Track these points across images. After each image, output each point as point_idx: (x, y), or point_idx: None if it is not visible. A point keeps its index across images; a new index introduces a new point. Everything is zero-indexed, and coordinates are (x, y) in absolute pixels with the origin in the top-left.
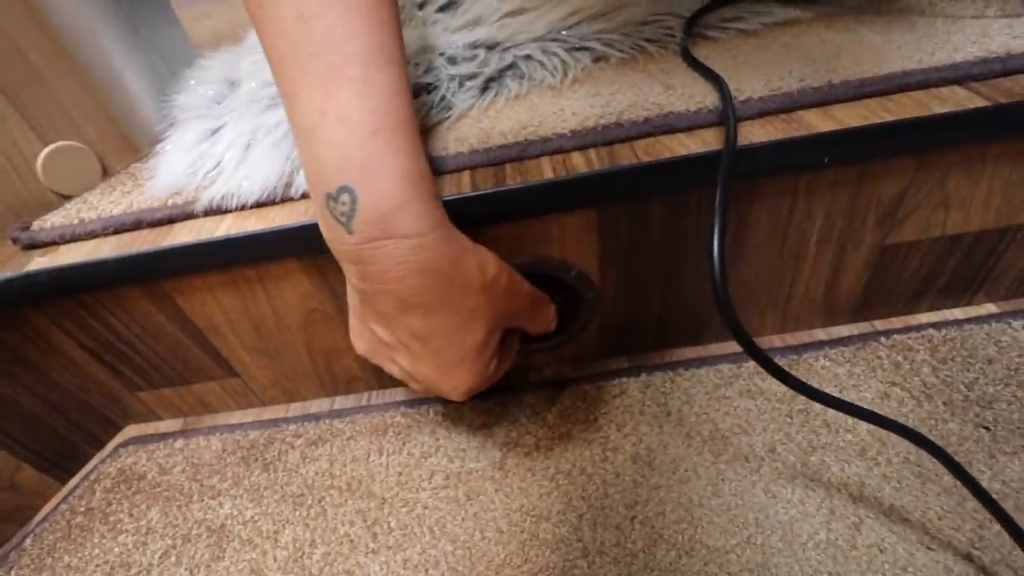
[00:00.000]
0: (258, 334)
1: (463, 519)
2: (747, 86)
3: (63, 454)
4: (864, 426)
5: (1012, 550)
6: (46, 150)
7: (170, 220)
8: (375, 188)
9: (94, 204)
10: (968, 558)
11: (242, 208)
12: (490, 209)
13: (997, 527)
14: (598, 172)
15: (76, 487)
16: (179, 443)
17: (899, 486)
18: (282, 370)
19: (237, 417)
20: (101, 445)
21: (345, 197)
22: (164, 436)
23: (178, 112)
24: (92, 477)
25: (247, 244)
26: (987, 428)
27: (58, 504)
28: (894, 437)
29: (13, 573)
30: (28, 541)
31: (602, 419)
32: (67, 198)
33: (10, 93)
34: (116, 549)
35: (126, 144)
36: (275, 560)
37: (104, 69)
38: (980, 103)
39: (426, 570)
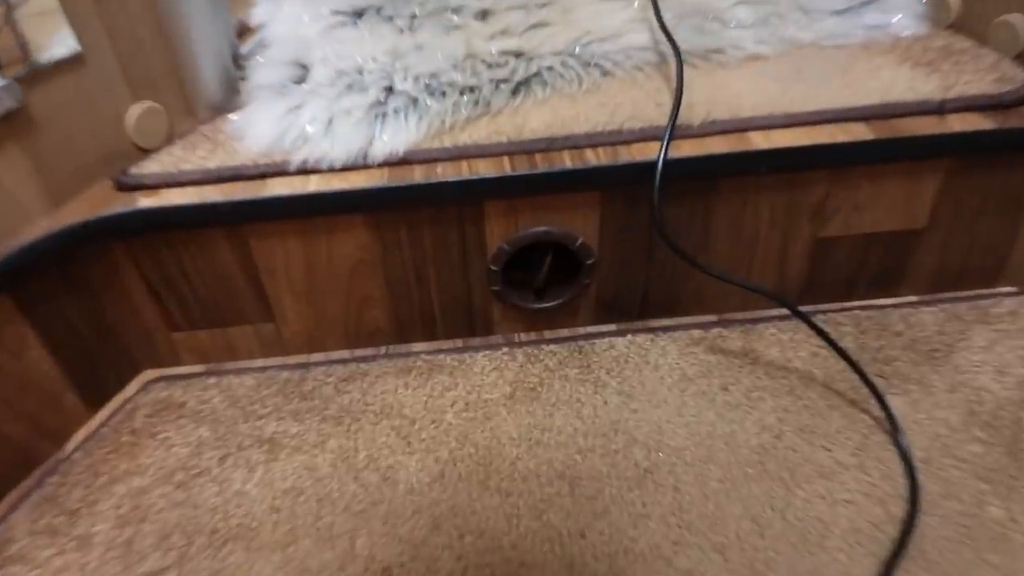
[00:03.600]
0: (308, 279)
1: (482, 431)
2: (716, 110)
3: (96, 386)
4: (794, 374)
5: (888, 446)
6: (137, 108)
7: (263, 175)
8: None
9: (184, 158)
10: (855, 455)
11: (330, 170)
12: (523, 186)
13: (878, 436)
14: (604, 165)
15: (114, 414)
16: (211, 380)
17: (812, 412)
18: (316, 317)
19: (261, 363)
20: (122, 384)
21: None
22: (191, 376)
23: (254, 87)
24: (128, 408)
25: (330, 199)
26: (883, 377)
27: (98, 428)
28: (816, 382)
29: (69, 478)
30: (77, 454)
31: (594, 365)
32: (143, 151)
33: (121, 60)
34: (171, 459)
35: (189, 109)
36: (324, 460)
37: (186, 39)
38: (870, 135)
39: (455, 463)
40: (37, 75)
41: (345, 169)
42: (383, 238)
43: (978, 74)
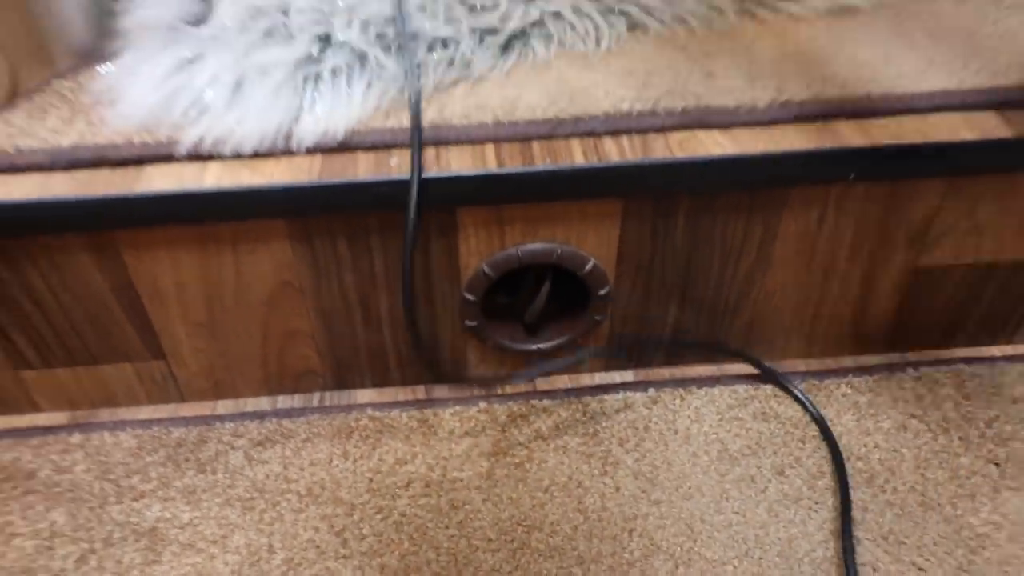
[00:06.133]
0: (209, 306)
1: (447, 527)
2: (789, 86)
3: None
4: (875, 454)
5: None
6: None
7: (140, 161)
8: None
9: (27, 130)
10: None
11: (236, 156)
12: (515, 189)
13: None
14: (630, 163)
15: None
16: (74, 438)
17: (900, 512)
18: (223, 355)
19: (148, 413)
20: None
21: None
22: (48, 430)
23: (134, 27)
24: None
25: (237, 199)
26: (997, 464)
27: None
28: (904, 464)
29: None
30: None
31: (603, 432)
32: None
33: None
34: (11, 554)
35: (42, 54)
36: (226, 564)
37: None
38: (1006, 132)
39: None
40: None
41: (259, 156)
42: (314, 254)
43: None
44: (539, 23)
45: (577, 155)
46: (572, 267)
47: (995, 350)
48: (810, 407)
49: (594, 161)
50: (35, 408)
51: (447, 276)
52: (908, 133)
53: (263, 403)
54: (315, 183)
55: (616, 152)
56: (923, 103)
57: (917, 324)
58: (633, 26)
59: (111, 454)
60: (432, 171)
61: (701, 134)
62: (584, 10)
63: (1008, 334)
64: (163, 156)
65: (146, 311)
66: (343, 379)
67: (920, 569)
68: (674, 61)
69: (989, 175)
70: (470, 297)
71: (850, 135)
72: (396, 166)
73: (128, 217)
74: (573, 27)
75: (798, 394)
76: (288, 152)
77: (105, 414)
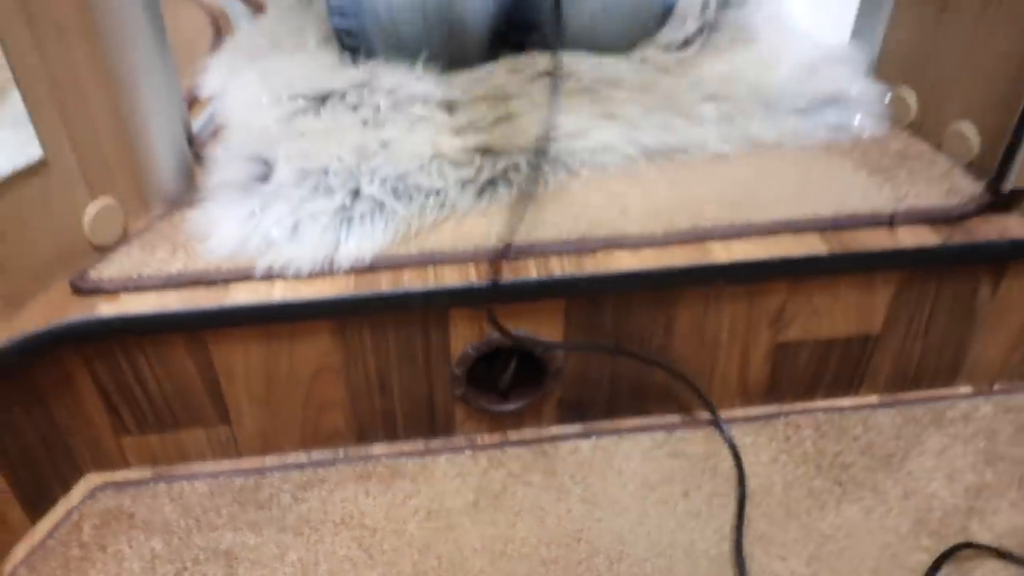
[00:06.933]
0: (267, 384)
1: (445, 542)
2: (677, 218)
3: (38, 494)
4: (756, 480)
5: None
6: (94, 206)
7: (226, 281)
8: None
9: (143, 260)
10: (809, 564)
11: (295, 277)
12: (490, 295)
13: (830, 546)
14: (569, 276)
15: (58, 525)
16: (160, 487)
17: (772, 520)
18: (273, 420)
19: (213, 466)
20: (66, 490)
21: None
22: (137, 483)
23: (215, 185)
24: (73, 518)
25: (295, 308)
26: (840, 484)
27: (43, 540)
28: (776, 487)
29: None
30: (22, 570)
31: (559, 470)
32: (98, 249)
33: (80, 158)
34: (124, 574)
35: (144, 203)
36: (285, 574)
37: (142, 125)
38: (824, 249)
39: None
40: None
41: (311, 276)
42: (347, 344)
43: (930, 184)
44: (503, 174)
45: (532, 271)
46: (532, 349)
47: (844, 401)
48: (710, 445)
49: (544, 275)
50: (127, 465)
51: (441, 356)
52: (758, 251)
53: (302, 456)
54: (351, 296)
55: (559, 268)
56: (769, 228)
57: (785, 383)
58: (570, 173)
59: (190, 498)
60: (431, 284)
61: (618, 253)
62: (535, 163)
63: (853, 390)
64: (243, 277)
65: (221, 389)
66: (363, 436)
67: (783, 558)
68: (598, 200)
69: (817, 277)
70: (458, 372)
71: (719, 253)
72: (408, 281)
73: (217, 322)
74: (528, 176)
75: (701, 436)
76: (331, 273)
77: (181, 468)
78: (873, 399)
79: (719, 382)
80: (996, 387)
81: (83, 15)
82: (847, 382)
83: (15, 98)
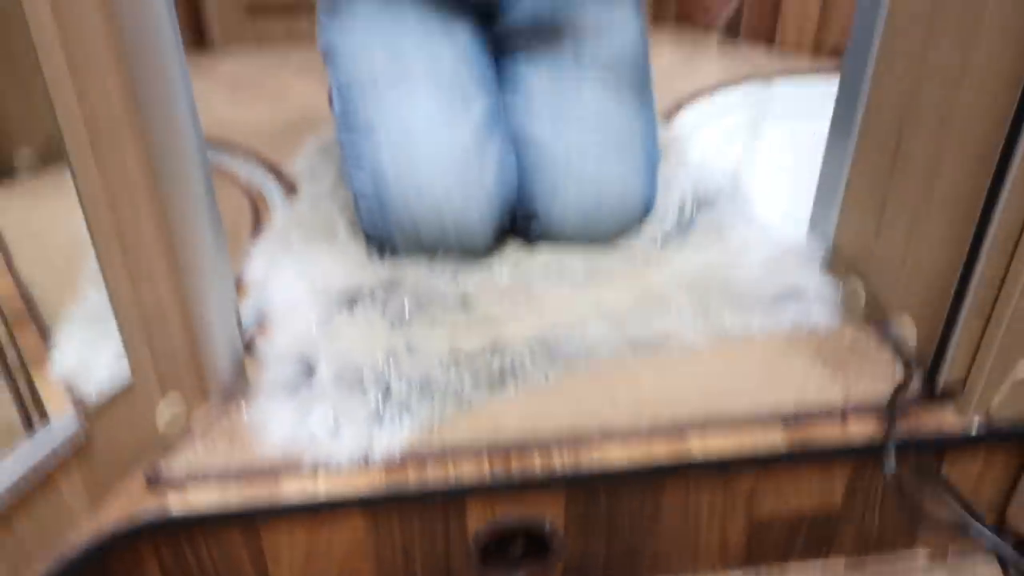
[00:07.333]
0: (306, 561)
1: None
2: (661, 411)
3: None
4: None
5: None
6: (165, 403)
7: (277, 474)
8: None
9: (207, 454)
10: None
11: (336, 471)
12: (501, 485)
13: None
14: (566, 473)
15: None
16: None
17: None
18: None
19: None
20: None
21: None
22: None
23: (268, 384)
24: None
25: (336, 500)
26: None
27: None
28: None
29: None
30: None
31: None
32: (165, 441)
33: (156, 363)
34: None
35: (204, 396)
36: None
37: (203, 319)
38: (784, 443)
39: None
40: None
41: (349, 469)
42: (377, 527)
43: (875, 378)
44: (511, 368)
45: (536, 463)
46: (537, 530)
47: (818, 564)
48: None
49: (546, 470)
50: None
51: (459, 537)
52: (729, 444)
53: None
54: (385, 491)
55: (559, 462)
56: (741, 419)
57: (763, 550)
58: (568, 367)
59: None
60: (451, 478)
61: (607, 445)
62: (537, 358)
63: (824, 553)
64: (292, 471)
65: (267, 568)
66: None
67: None
68: (591, 391)
69: (782, 464)
70: (473, 549)
71: (695, 446)
72: (431, 474)
73: (269, 513)
74: (530, 371)
75: None
76: (365, 467)
77: None
78: (840, 566)
79: (703, 551)
80: (949, 552)
81: (168, 253)
82: (818, 549)
83: (107, 330)
